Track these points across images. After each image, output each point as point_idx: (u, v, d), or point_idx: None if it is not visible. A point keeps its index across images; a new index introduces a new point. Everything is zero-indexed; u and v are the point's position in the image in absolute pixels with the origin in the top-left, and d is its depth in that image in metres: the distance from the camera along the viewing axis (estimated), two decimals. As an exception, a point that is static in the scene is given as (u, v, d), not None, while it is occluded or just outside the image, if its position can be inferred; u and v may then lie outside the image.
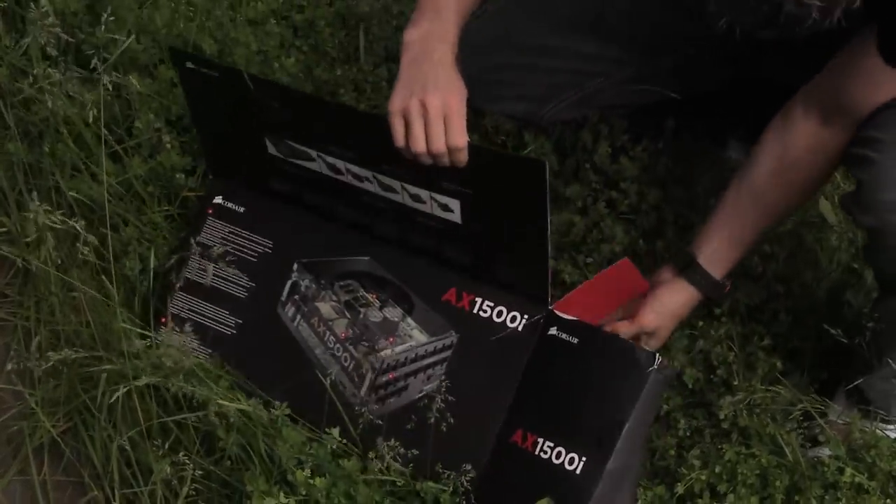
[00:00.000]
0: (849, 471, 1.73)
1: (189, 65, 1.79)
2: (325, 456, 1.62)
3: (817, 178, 1.77)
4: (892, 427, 1.89)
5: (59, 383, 1.76)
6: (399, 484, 1.63)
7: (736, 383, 1.92)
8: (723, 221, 1.81)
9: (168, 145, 1.92)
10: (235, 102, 1.74)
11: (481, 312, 1.69)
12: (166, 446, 1.65)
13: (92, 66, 1.68)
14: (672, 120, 2.15)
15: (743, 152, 2.21)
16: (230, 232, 1.82)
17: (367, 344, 1.71)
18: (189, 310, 1.79)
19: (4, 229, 1.89)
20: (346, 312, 1.73)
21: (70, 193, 1.87)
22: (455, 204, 1.64)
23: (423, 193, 1.65)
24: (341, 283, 1.75)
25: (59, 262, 1.77)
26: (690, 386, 1.92)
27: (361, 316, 1.72)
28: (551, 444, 1.59)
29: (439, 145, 1.55)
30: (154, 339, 1.73)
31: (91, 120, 1.80)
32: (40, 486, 1.75)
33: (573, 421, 1.62)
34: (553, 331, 1.65)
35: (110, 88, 1.74)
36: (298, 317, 1.75)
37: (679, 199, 2.13)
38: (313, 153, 1.71)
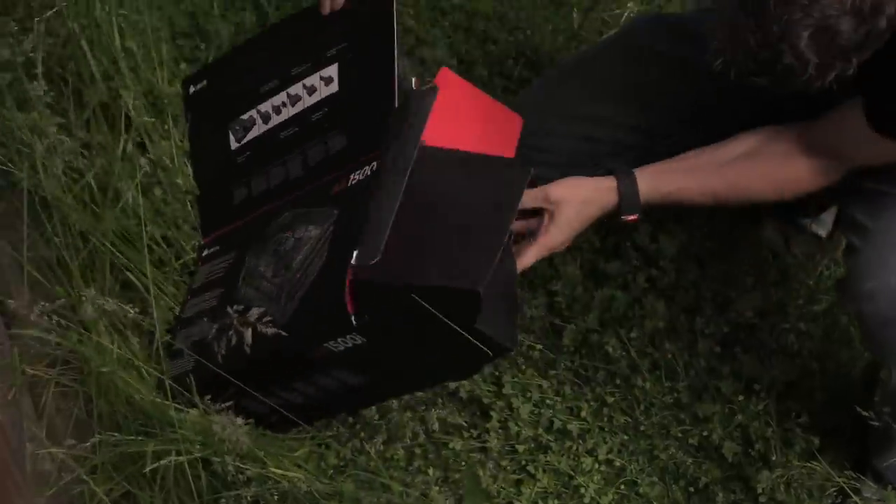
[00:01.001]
0: (884, 548, 1.79)
1: (191, 89, 1.96)
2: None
3: (772, 183, 1.81)
4: (926, 505, 1.97)
5: (117, 447, 1.79)
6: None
7: (773, 458, 1.98)
8: (675, 162, 1.85)
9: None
10: (217, 106, 1.92)
11: (353, 183, 1.76)
12: (221, 513, 1.72)
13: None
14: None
15: (777, 232, 2.29)
16: (211, 267, 1.91)
17: (285, 269, 1.78)
18: (185, 338, 1.85)
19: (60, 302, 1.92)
20: (276, 261, 1.81)
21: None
22: (334, 69, 1.79)
23: (314, 80, 1.80)
24: (274, 241, 1.84)
25: (115, 335, 1.84)
26: (729, 459, 1.97)
27: (283, 253, 1.80)
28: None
29: None
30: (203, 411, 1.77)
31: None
32: (100, 551, 1.82)
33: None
34: None
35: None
36: (245, 287, 1.83)
37: (716, 276, 2.20)
38: (255, 114, 1.87)
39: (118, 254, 1.98)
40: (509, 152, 1.87)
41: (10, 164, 2.02)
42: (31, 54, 2.09)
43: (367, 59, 1.82)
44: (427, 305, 1.56)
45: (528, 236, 1.82)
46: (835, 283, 1.99)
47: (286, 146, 1.88)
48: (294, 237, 1.79)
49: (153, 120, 2.11)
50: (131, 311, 1.78)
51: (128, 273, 1.98)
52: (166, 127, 2.13)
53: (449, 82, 1.85)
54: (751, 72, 1.53)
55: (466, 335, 1.58)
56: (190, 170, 2.05)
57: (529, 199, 1.78)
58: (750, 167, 1.82)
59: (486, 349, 1.61)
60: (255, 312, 1.71)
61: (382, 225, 1.61)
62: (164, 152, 2.08)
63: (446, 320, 1.57)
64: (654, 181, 1.83)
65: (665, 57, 2.03)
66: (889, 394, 1.81)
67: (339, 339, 1.63)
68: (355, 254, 1.57)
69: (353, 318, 1.60)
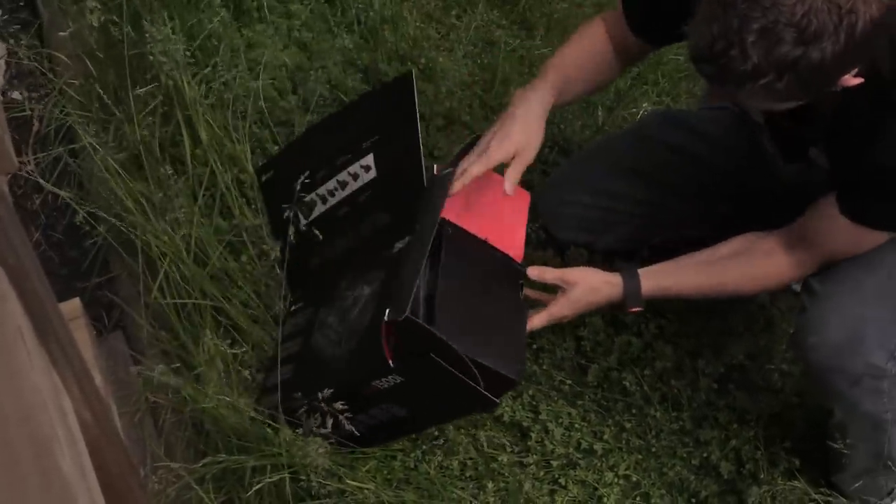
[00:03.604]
0: (855, 553, 2.00)
1: (263, 177, 2.18)
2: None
3: (754, 280, 1.97)
4: (889, 514, 2.18)
5: (221, 463, 1.99)
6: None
7: (762, 476, 2.16)
8: (673, 262, 1.99)
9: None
10: (285, 191, 2.13)
11: (395, 251, 1.96)
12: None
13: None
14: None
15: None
16: (296, 319, 2.14)
17: (344, 320, 2.00)
18: (280, 376, 2.03)
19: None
20: (340, 314, 2.03)
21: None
22: (370, 159, 2.03)
23: (356, 168, 2.05)
24: (340, 298, 2.06)
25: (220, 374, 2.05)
26: (725, 476, 2.16)
27: (345, 308, 2.01)
28: None
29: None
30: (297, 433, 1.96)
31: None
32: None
33: None
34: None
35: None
36: (318, 335, 2.05)
37: (714, 325, 2.39)
38: (315, 197, 2.11)
39: (219, 303, 2.19)
40: (521, 221, 2.07)
41: (131, 230, 2.25)
42: (149, 139, 2.37)
43: (396, 147, 2.00)
44: (450, 368, 1.76)
45: (541, 305, 2.00)
46: (789, 337, 2.16)
47: (344, 222, 2.10)
48: (353, 295, 2.02)
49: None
50: (236, 351, 2.03)
51: (227, 320, 2.19)
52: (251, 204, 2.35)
53: None
54: (704, 58, 1.57)
55: (479, 388, 1.79)
56: (271, 237, 2.25)
57: (551, 277, 1.97)
58: (735, 266, 1.96)
59: (492, 393, 1.80)
60: (339, 405, 1.90)
61: (408, 287, 1.76)
62: (249, 221, 2.31)
63: (463, 377, 1.77)
64: (655, 280, 1.97)
65: (669, 145, 2.25)
66: (835, 425, 2.02)
67: (383, 379, 1.83)
68: (388, 311, 1.75)
69: (391, 362, 1.78)
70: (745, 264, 1.96)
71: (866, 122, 1.69)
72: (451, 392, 1.83)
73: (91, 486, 1.06)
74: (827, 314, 1.87)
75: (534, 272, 1.99)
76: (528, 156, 1.92)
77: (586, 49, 2.07)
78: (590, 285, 1.98)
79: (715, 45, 1.53)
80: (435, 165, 2.00)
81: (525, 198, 2.10)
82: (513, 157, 1.90)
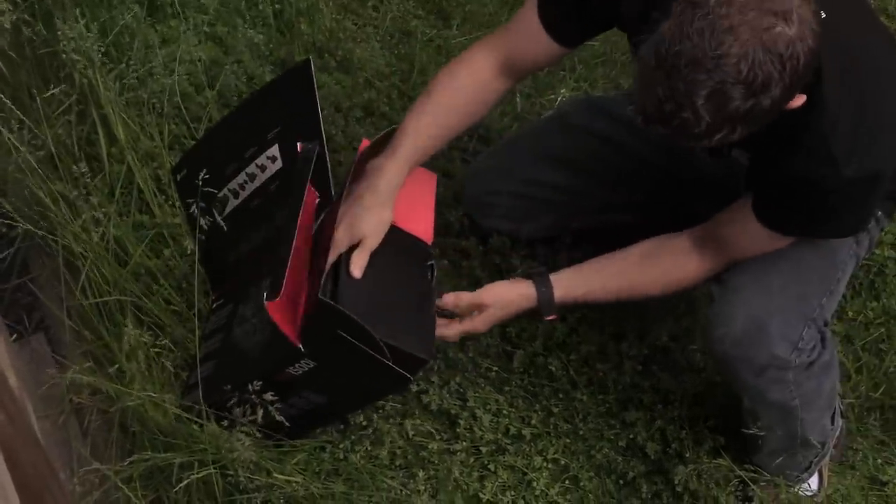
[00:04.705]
0: (778, 525, 2.05)
1: (178, 176, 2.14)
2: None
3: (663, 281, 2.00)
4: (809, 489, 2.25)
5: (148, 461, 1.96)
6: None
7: (687, 455, 2.20)
8: (584, 267, 2.02)
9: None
10: (199, 189, 2.06)
11: None
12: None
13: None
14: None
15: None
16: (217, 316, 2.13)
17: (260, 310, 1.92)
18: (201, 374, 2.02)
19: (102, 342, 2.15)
20: (255, 305, 1.99)
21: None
22: (276, 149, 2.00)
23: (263, 160, 2.01)
24: (255, 288, 2.01)
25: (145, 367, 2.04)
26: (652, 457, 2.20)
27: (259, 297, 1.93)
28: None
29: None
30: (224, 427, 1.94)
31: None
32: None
33: None
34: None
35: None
36: (237, 329, 2.03)
37: (637, 309, 2.37)
38: (227, 192, 2.07)
39: (141, 301, 2.16)
40: (429, 203, 2.08)
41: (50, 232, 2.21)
42: (64, 138, 2.33)
43: (299, 136, 1.97)
44: (365, 347, 1.76)
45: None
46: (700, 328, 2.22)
47: (257, 214, 2.08)
48: (266, 284, 1.94)
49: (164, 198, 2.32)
50: (158, 349, 2.02)
51: (149, 317, 2.16)
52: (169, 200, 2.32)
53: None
54: (655, 120, 1.57)
55: (391, 364, 1.79)
56: (189, 235, 2.20)
57: (466, 304, 2.01)
58: (646, 269, 2.00)
59: (405, 372, 1.81)
60: (269, 396, 1.87)
61: (281, 265, 1.76)
62: (169, 218, 2.30)
63: (372, 353, 1.77)
64: (567, 288, 2.01)
65: (589, 132, 2.25)
66: (745, 410, 2.07)
67: (296, 365, 1.83)
68: (266, 293, 1.74)
69: (300, 346, 1.79)
70: (656, 266, 2.00)
71: (787, 133, 1.70)
72: (363, 372, 1.84)
73: (4, 483, 1.04)
74: (733, 307, 1.90)
75: (450, 301, 2.02)
76: (374, 242, 1.94)
77: (451, 97, 2.04)
78: (504, 301, 2.02)
79: (664, 107, 1.54)
80: (310, 144, 1.98)
81: (432, 179, 2.12)
82: (359, 242, 1.93)
